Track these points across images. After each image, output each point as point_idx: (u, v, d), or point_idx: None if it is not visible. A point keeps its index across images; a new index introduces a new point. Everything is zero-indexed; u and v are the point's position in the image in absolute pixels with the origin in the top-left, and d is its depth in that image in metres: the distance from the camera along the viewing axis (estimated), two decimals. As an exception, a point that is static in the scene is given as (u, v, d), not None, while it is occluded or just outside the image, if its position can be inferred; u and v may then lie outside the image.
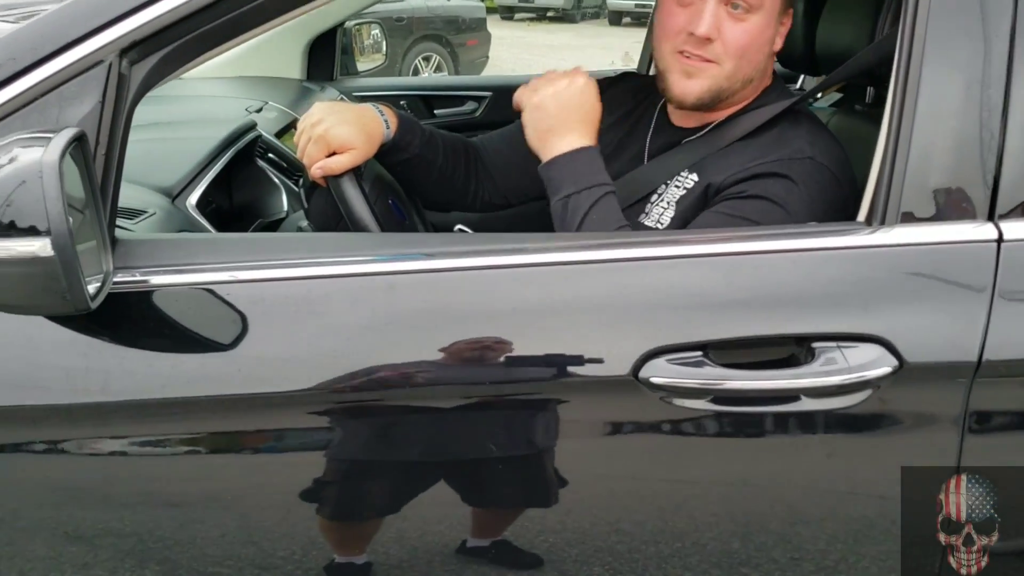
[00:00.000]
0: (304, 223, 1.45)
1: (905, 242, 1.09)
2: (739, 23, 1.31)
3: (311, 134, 1.37)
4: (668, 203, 1.38)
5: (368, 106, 1.46)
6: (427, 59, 8.27)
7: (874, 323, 1.07)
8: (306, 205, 1.57)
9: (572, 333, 1.08)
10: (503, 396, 1.10)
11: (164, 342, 1.08)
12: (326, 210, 1.48)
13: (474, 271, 1.11)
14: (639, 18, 17.50)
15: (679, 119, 1.47)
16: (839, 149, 1.35)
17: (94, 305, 0.94)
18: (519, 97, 1.39)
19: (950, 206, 1.10)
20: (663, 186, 1.40)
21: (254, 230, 1.69)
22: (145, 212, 1.36)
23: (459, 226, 1.79)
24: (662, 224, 1.36)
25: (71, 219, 0.87)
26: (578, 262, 1.11)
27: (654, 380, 1.05)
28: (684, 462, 1.13)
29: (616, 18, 17.97)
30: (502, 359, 1.07)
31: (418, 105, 2.97)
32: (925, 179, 1.10)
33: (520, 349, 1.07)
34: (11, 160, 0.91)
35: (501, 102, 2.97)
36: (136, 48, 1.09)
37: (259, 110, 2.09)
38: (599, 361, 1.07)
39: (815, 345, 1.07)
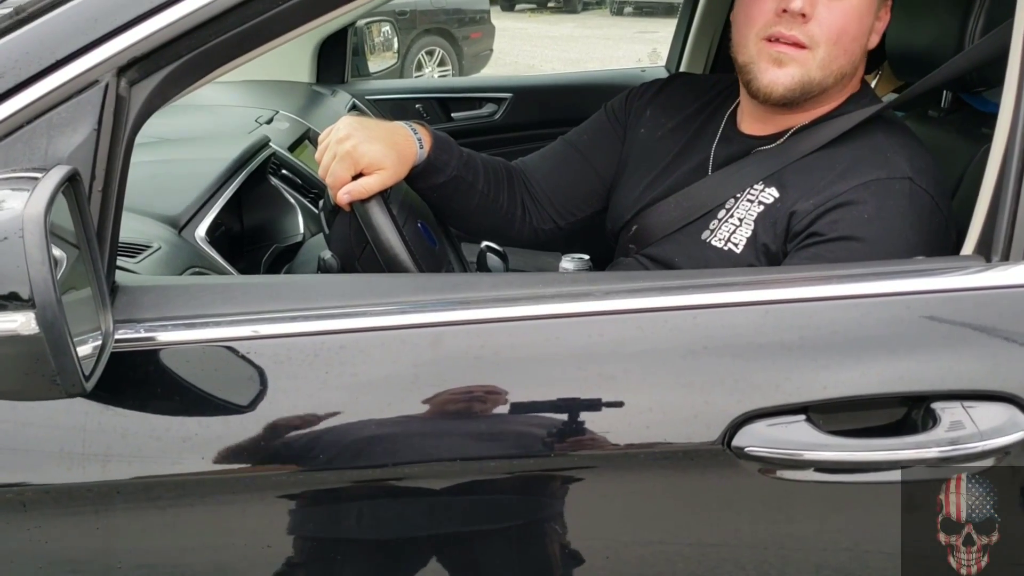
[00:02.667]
0: (327, 254, 1.30)
1: (1037, 281, 0.94)
2: (835, 2, 1.18)
3: (337, 150, 1.22)
4: (741, 220, 1.22)
5: (400, 124, 1.31)
6: (430, 53, 8.10)
7: (1003, 378, 0.92)
8: (327, 230, 1.42)
9: (647, 393, 0.93)
10: (553, 470, 0.94)
11: (174, 410, 0.92)
12: (349, 236, 1.32)
13: (532, 320, 0.95)
14: (641, 7, 17.30)
15: (751, 126, 1.31)
16: (937, 170, 1.20)
17: (90, 386, 0.78)
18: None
19: None
20: (731, 200, 1.25)
21: (270, 257, 1.54)
22: (149, 247, 1.20)
23: (486, 243, 1.65)
24: (734, 244, 1.21)
25: (59, 284, 0.71)
26: (654, 309, 0.95)
27: (751, 450, 0.90)
28: (782, 539, 0.98)
29: (618, 8, 17.75)
30: (559, 424, 0.91)
31: (434, 108, 2.81)
32: None
33: (583, 412, 0.92)
34: (-11, 205, 0.76)
35: (521, 104, 2.82)
36: (136, 66, 0.93)
37: (270, 120, 1.93)
38: (683, 427, 0.92)
39: (935, 406, 0.92)
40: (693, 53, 2.68)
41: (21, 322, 0.69)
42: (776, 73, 1.20)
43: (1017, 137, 0.97)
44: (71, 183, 0.82)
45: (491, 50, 8.84)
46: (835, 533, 0.98)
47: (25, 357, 0.72)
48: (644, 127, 1.46)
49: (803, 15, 1.16)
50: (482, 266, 2.16)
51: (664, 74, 2.79)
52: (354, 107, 2.63)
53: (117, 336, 0.90)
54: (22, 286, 0.70)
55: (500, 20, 9.85)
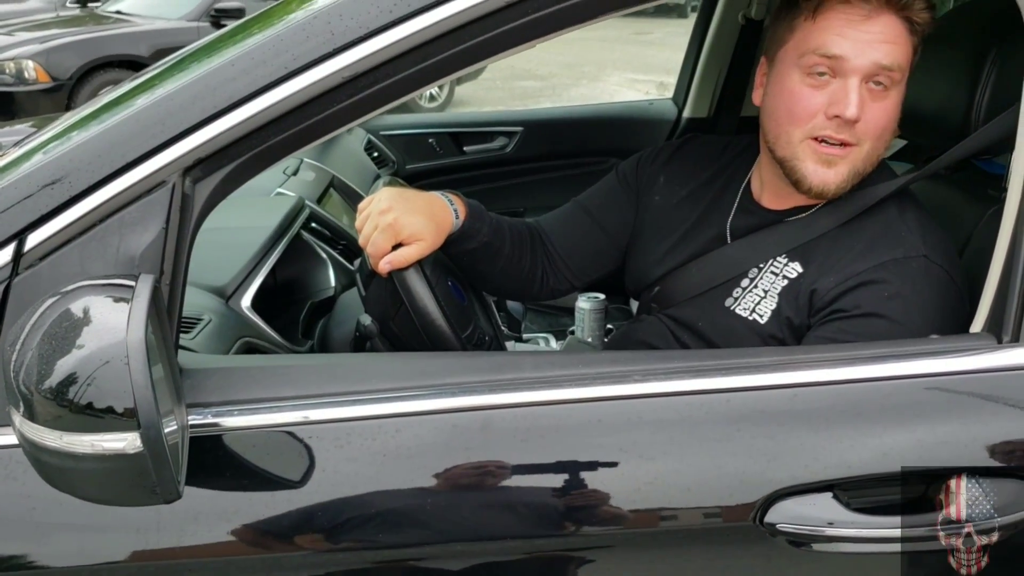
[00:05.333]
0: (367, 320, 1.36)
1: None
2: (880, 101, 1.21)
3: (379, 222, 1.29)
4: (766, 292, 1.28)
5: (436, 195, 1.37)
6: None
7: (1019, 456, 0.99)
8: (363, 292, 1.48)
9: (685, 474, 0.99)
10: (593, 548, 1.01)
11: (242, 493, 0.98)
12: (385, 298, 1.39)
13: (575, 404, 1.01)
14: (635, 7, 17.22)
15: (771, 200, 1.36)
16: (948, 241, 1.26)
17: (182, 490, 0.84)
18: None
19: None
20: (755, 270, 1.30)
21: (306, 313, 1.59)
22: (200, 320, 1.26)
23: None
24: (759, 315, 1.27)
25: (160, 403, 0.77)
26: (690, 392, 1.01)
27: (783, 527, 0.97)
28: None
29: (612, 9, 17.69)
30: (601, 502, 0.98)
31: (448, 143, 2.87)
32: None
33: (624, 492, 0.98)
34: (85, 315, 0.82)
35: (531, 138, 2.87)
36: (200, 165, 1.00)
37: (296, 171, 1.98)
38: (719, 505, 0.98)
39: (951, 483, 0.98)
40: (700, 86, 2.74)
41: (128, 441, 0.75)
42: (827, 173, 1.23)
43: None
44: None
45: (488, 58, 8.86)
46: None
47: (128, 471, 0.78)
48: (658, 194, 1.49)
49: (856, 120, 1.19)
50: (501, 305, 2.22)
51: (671, 108, 2.86)
52: (369, 143, 2.69)
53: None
54: (125, 405, 0.76)
55: (496, 24, 9.85)
